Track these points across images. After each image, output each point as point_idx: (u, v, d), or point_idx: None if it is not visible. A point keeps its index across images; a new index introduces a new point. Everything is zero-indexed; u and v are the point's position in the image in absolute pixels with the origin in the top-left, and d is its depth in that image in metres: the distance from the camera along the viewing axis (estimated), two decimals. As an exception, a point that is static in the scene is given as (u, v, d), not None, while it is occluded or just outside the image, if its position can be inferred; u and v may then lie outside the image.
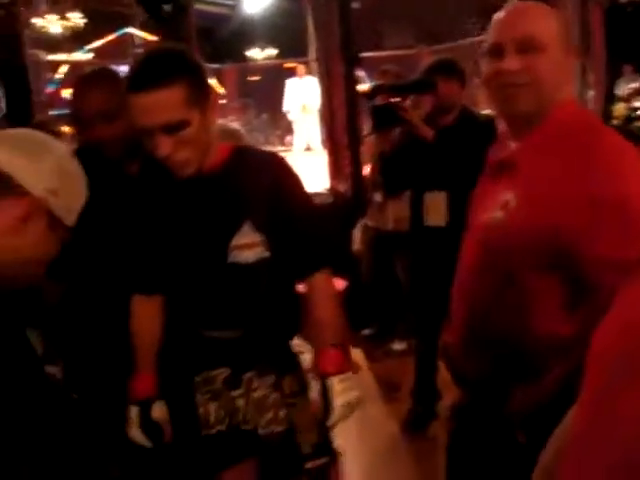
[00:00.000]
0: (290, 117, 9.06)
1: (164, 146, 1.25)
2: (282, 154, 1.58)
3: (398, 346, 3.62)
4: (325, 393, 1.40)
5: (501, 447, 1.30)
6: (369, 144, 3.66)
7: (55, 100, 8.18)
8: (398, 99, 2.30)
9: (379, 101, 2.33)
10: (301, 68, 8.59)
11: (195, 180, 1.35)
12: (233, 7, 10.83)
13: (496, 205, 1.21)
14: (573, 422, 0.59)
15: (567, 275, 1.12)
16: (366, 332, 3.76)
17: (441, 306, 1.53)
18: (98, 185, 1.65)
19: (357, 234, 3.75)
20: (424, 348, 2.75)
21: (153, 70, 1.23)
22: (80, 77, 1.68)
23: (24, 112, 4.13)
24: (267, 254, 1.38)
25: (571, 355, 1.05)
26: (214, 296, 1.42)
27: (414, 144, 2.39)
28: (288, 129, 9.55)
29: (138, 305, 1.49)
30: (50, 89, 7.94)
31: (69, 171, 1.03)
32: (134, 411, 1.45)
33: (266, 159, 1.44)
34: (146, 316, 1.48)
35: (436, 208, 2.45)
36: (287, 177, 1.42)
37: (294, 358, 1.54)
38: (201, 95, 1.27)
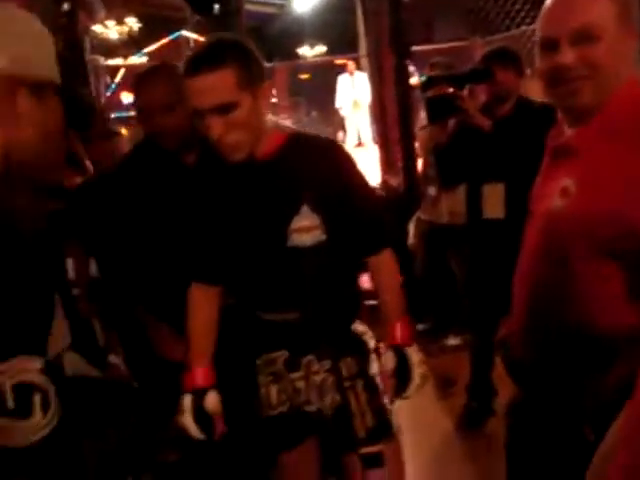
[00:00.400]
0: (342, 113, 9.07)
1: (215, 127, 1.30)
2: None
3: (453, 341, 3.59)
4: (405, 363, 1.45)
5: (566, 444, 1.27)
6: (422, 138, 3.63)
7: (114, 103, 8.47)
8: (453, 90, 2.27)
9: (434, 93, 2.30)
10: (351, 64, 8.59)
11: (251, 166, 1.39)
12: (282, 6, 10.93)
13: (556, 192, 1.19)
14: (625, 417, 0.58)
15: (630, 263, 1.09)
16: (420, 327, 3.73)
17: (498, 300, 1.52)
18: (157, 175, 1.75)
19: (411, 228, 3.73)
20: (480, 343, 2.71)
21: (206, 55, 1.29)
22: (142, 72, 1.78)
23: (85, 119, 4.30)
24: (324, 237, 1.42)
25: (638, 346, 1.02)
26: (273, 279, 1.46)
27: (470, 135, 2.36)
28: (339, 126, 9.56)
29: (196, 294, 1.53)
30: (109, 93, 8.22)
31: (20, 31, 0.88)
32: (187, 400, 1.47)
33: (323, 144, 1.48)
34: (204, 305, 1.52)
35: (494, 200, 2.41)
36: (344, 162, 1.46)
37: (354, 341, 1.56)
38: (253, 80, 1.32)
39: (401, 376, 1.45)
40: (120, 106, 9.50)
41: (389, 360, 1.48)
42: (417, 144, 3.71)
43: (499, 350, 1.60)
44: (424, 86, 2.36)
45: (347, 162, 1.47)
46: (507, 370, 1.47)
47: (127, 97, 10.69)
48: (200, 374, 1.48)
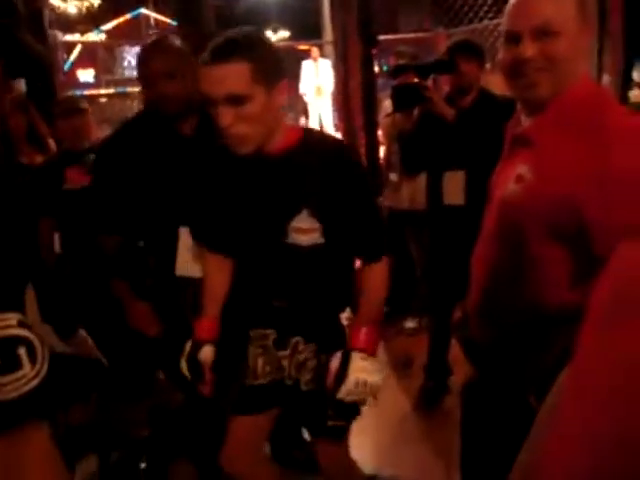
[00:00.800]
0: (305, 99, 9.06)
1: (225, 117, 1.33)
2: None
3: (410, 324, 3.68)
4: (343, 363, 1.45)
5: (516, 416, 1.35)
6: (385, 125, 3.70)
7: (70, 81, 8.24)
8: (418, 79, 2.33)
9: (400, 81, 2.36)
10: (315, 51, 8.58)
11: (260, 160, 1.42)
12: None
13: (511, 178, 1.26)
14: (571, 367, 0.64)
15: (578, 246, 1.16)
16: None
17: (456, 284, 1.59)
18: (154, 143, 1.86)
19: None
20: (437, 325, 2.81)
21: (224, 46, 1.32)
22: (146, 45, 1.99)
23: (47, 91, 4.20)
24: (322, 240, 1.45)
25: (579, 324, 1.10)
26: (267, 269, 1.53)
27: (434, 124, 2.42)
28: (302, 112, 9.56)
29: (210, 258, 1.64)
30: (65, 69, 8.00)
31: None
32: (187, 346, 1.60)
33: (335, 148, 1.50)
34: (218, 269, 1.63)
35: (455, 187, 2.49)
36: (353, 167, 1.48)
37: (339, 331, 1.62)
38: (268, 76, 1.35)
39: (339, 376, 1.45)
40: (77, 84, 9.25)
41: (334, 360, 1.48)
42: (380, 131, 3.78)
43: (455, 332, 1.66)
44: (393, 74, 2.42)
45: (355, 168, 1.49)
46: (463, 350, 1.55)
47: (83, 74, 10.40)
48: (204, 327, 1.61)
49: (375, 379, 1.46)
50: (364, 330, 1.50)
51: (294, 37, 10.69)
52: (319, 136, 1.55)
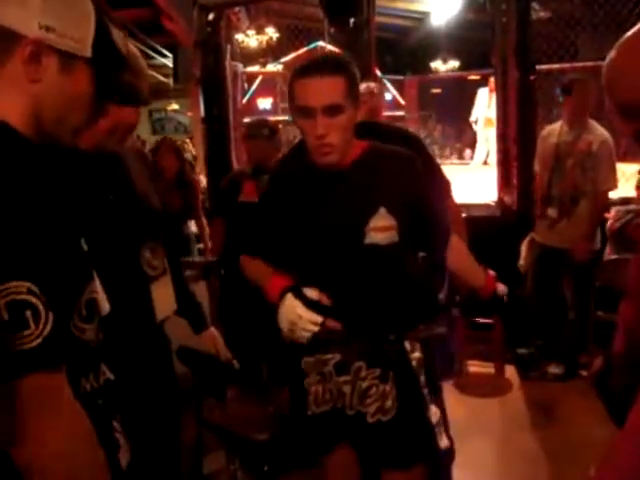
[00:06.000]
0: (475, 128, 8.92)
1: (322, 126, 1.44)
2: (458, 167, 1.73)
3: (555, 370, 3.44)
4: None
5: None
6: (541, 155, 3.52)
7: (250, 108, 8.96)
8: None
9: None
10: (492, 81, 8.41)
11: (336, 172, 1.52)
12: (420, 20, 10.95)
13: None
14: None
15: None
16: (522, 351, 3.61)
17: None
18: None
19: (523, 249, 3.61)
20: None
21: (327, 61, 1.49)
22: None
23: (222, 117, 4.64)
24: (397, 239, 1.52)
25: None
26: (345, 274, 1.53)
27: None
28: (469, 143, 9.40)
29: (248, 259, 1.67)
30: (246, 98, 8.72)
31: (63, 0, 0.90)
32: (289, 298, 1.47)
33: (402, 156, 1.59)
34: (255, 260, 1.64)
35: None
36: (419, 173, 1.58)
37: (403, 355, 1.57)
38: (355, 94, 1.50)
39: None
40: (256, 111, 10.04)
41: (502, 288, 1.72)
42: (536, 162, 3.59)
43: (594, 383, 1.54)
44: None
45: (422, 174, 1.58)
46: (603, 402, 1.42)
47: (262, 102, 11.27)
48: (280, 279, 1.53)
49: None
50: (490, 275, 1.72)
51: (464, 67, 10.58)
52: (384, 147, 1.61)
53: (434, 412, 1.56)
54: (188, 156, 6.08)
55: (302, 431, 1.63)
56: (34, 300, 0.74)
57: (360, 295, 1.54)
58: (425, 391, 1.56)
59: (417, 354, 1.57)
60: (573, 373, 3.44)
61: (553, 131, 3.45)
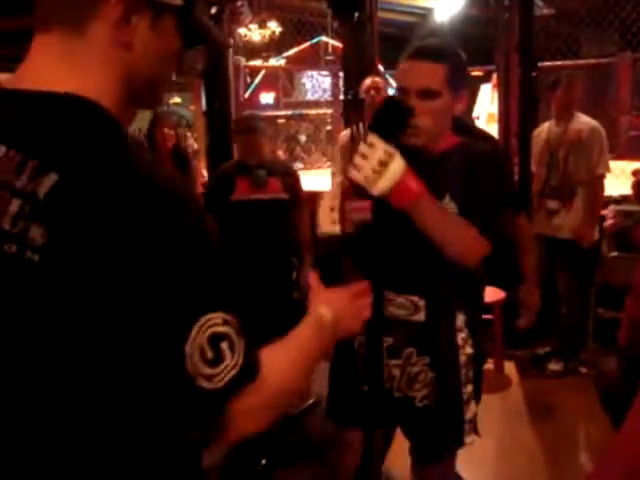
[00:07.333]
0: (477, 124, 8.90)
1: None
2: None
3: (555, 366, 3.45)
4: None
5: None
6: (535, 151, 3.55)
7: (252, 102, 8.95)
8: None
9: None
10: (495, 77, 8.39)
11: (424, 158, 1.51)
12: (424, 15, 10.91)
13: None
14: None
15: None
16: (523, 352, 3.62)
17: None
18: None
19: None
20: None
21: (432, 47, 1.55)
22: None
23: (223, 111, 4.63)
24: None
25: None
26: (409, 258, 1.54)
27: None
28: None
29: None
30: (248, 92, 8.70)
31: None
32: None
33: (487, 153, 1.61)
34: None
35: None
36: (501, 172, 1.62)
37: (453, 346, 1.59)
38: (457, 84, 1.52)
39: None
40: (258, 105, 10.02)
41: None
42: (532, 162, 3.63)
43: (596, 384, 1.55)
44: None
45: (503, 173, 1.63)
46: (602, 402, 1.43)
47: (265, 97, 11.23)
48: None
49: None
50: None
51: (467, 63, 10.54)
52: (474, 144, 1.63)
53: (471, 408, 1.60)
54: (189, 150, 6.08)
55: (352, 404, 1.65)
56: (229, 330, 0.69)
57: (419, 279, 1.56)
58: (469, 388, 1.59)
59: (468, 350, 1.60)
60: (572, 370, 3.45)
61: (542, 130, 3.60)
